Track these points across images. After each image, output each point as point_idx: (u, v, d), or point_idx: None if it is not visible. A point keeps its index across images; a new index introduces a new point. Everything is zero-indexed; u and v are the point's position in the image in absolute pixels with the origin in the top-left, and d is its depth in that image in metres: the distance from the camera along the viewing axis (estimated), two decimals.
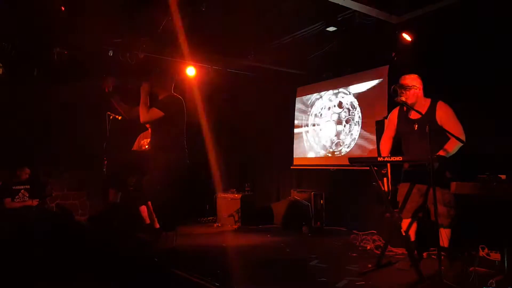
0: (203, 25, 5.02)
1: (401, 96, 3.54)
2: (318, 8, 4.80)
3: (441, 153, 3.34)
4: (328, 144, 6.41)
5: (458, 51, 4.46)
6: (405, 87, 3.56)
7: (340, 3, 4.28)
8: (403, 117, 3.72)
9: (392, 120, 3.84)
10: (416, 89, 3.56)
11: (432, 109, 3.53)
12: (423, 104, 3.58)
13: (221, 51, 6.14)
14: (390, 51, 5.16)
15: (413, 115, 3.59)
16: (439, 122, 3.45)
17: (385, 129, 3.94)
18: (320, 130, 6.58)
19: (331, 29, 5.11)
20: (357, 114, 5.95)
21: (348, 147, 6.04)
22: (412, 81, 3.58)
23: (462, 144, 3.31)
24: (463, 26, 4.38)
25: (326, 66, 6.37)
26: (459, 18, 4.38)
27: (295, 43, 5.68)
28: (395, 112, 3.83)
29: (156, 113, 3.77)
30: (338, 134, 6.25)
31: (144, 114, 3.81)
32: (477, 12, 4.22)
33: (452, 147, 3.36)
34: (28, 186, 5.56)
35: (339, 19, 4.86)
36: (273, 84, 7.25)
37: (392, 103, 4.73)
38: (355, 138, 5.95)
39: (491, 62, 4.18)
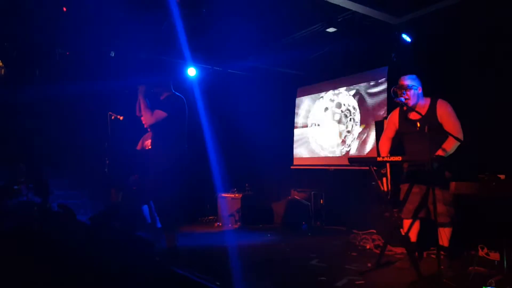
0: (204, 26, 5.04)
1: (401, 97, 3.57)
2: (318, 9, 4.82)
3: (439, 152, 3.36)
4: (328, 144, 6.43)
5: (458, 52, 4.48)
6: (405, 88, 3.59)
7: (340, 4, 4.30)
8: (403, 118, 3.74)
9: (392, 121, 3.85)
10: (416, 89, 3.58)
11: (432, 108, 3.55)
12: (424, 104, 3.60)
13: (221, 52, 6.16)
14: (390, 52, 5.17)
15: (414, 115, 3.61)
16: (439, 120, 3.48)
17: (384, 129, 3.96)
18: (321, 130, 6.60)
19: (331, 30, 5.13)
20: (357, 115, 5.97)
21: (348, 147, 6.06)
22: (412, 81, 3.60)
23: (459, 143, 3.33)
24: (463, 27, 4.40)
25: (326, 67, 6.39)
26: (459, 19, 4.40)
27: (295, 44, 5.69)
28: (396, 113, 3.85)
29: (160, 114, 3.78)
30: (338, 135, 6.27)
31: (149, 118, 3.82)
32: (477, 12, 4.23)
33: (450, 146, 3.38)
34: (31, 185, 5.57)
35: (339, 20, 4.88)
36: (273, 85, 7.27)
37: (392, 104, 4.76)
38: (355, 139, 5.97)
39: (491, 62, 4.20)
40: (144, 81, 3.98)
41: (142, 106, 3.84)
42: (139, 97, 3.89)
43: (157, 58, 5.80)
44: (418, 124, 3.49)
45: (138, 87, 3.94)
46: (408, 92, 3.56)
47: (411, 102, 3.55)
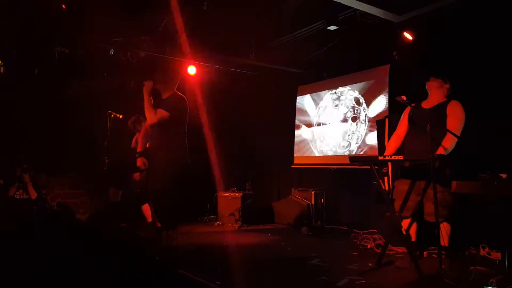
0: (204, 23, 5.02)
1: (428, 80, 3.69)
2: (319, 6, 4.80)
3: (440, 150, 3.35)
4: (329, 143, 6.40)
5: (459, 51, 4.46)
6: (437, 75, 3.72)
7: (342, 2, 4.28)
8: (413, 111, 3.74)
9: (405, 114, 3.84)
10: (445, 82, 3.69)
11: (444, 104, 3.59)
12: (439, 99, 3.65)
13: (222, 49, 6.14)
14: (391, 50, 5.15)
15: (425, 105, 3.66)
16: (447, 113, 3.50)
17: (399, 124, 3.93)
18: (321, 129, 6.58)
19: (332, 28, 5.11)
20: (358, 113, 5.94)
21: (348, 146, 6.04)
22: (447, 78, 3.71)
23: (457, 140, 3.33)
24: (464, 25, 4.38)
25: (327, 65, 6.37)
26: (460, 17, 4.38)
27: (296, 42, 5.67)
28: (408, 110, 3.83)
29: (163, 114, 3.73)
30: (339, 133, 6.24)
31: (152, 116, 3.76)
32: (478, 11, 4.21)
33: (449, 142, 3.39)
34: (30, 184, 5.57)
35: (340, 18, 4.86)
36: (274, 83, 7.24)
37: (393, 103, 4.74)
38: (356, 137, 5.94)
39: (491, 61, 4.18)
40: (149, 78, 3.92)
41: (146, 104, 3.78)
42: (144, 94, 3.82)
43: (157, 56, 5.76)
44: (422, 117, 3.50)
45: (144, 83, 3.87)
46: (436, 80, 3.71)
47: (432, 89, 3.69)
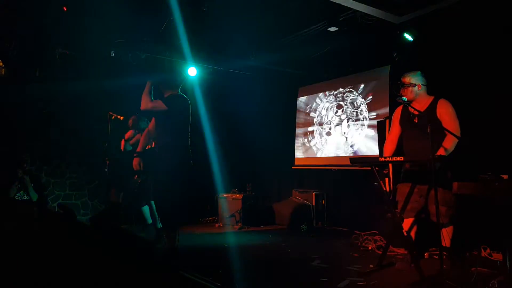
0: (205, 25, 5.02)
1: (400, 93, 3.59)
2: (320, 8, 4.80)
3: (441, 151, 3.35)
4: (329, 144, 6.41)
5: (459, 51, 4.46)
6: (402, 85, 3.64)
7: (342, 3, 4.28)
8: (405, 114, 3.74)
9: (396, 118, 3.85)
10: (414, 87, 3.58)
11: (433, 106, 3.55)
12: (425, 101, 3.59)
13: (222, 51, 6.15)
14: (392, 51, 5.16)
15: (414, 111, 3.62)
16: (439, 118, 3.48)
17: (391, 128, 3.94)
18: (322, 130, 6.58)
19: (332, 29, 5.11)
20: (359, 114, 5.95)
21: (350, 147, 6.04)
22: (410, 79, 3.61)
23: (457, 141, 3.33)
24: (464, 26, 4.38)
25: (328, 66, 6.37)
26: (460, 18, 4.38)
27: (296, 43, 5.67)
28: (399, 109, 3.84)
29: (160, 105, 3.71)
30: (340, 134, 6.24)
31: (147, 102, 3.71)
32: (478, 12, 4.21)
33: (449, 144, 3.37)
34: (31, 185, 5.56)
35: (340, 19, 4.86)
36: (275, 84, 7.25)
37: (394, 103, 4.74)
38: (357, 138, 5.94)
39: (491, 61, 4.18)
40: (152, 78, 3.92)
41: (145, 90, 3.77)
42: (146, 87, 3.82)
43: (158, 57, 5.77)
44: (416, 120, 3.50)
45: (148, 81, 3.87)
46: (406, 90, 3.62)
47: (408, 99, 3.59)
